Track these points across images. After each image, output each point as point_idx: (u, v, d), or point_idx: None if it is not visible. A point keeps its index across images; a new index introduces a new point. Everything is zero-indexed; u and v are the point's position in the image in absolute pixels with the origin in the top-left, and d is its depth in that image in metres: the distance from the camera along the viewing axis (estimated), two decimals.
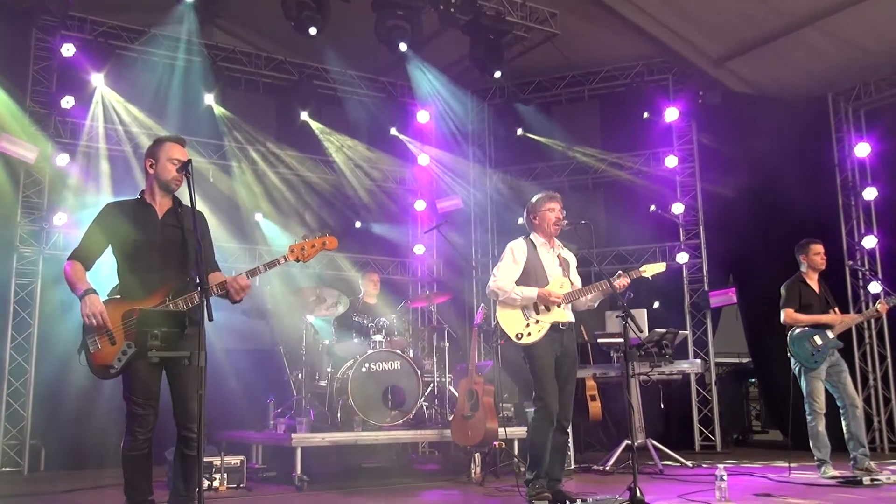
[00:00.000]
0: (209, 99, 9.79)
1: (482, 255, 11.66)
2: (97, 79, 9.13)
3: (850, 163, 10.28)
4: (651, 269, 5.29)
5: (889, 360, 9.89)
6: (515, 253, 5.32)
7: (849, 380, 6.71)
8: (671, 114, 10.63)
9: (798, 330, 6.68)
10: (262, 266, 4.14)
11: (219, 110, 9.91)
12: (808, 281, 6.83)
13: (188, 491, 3.94)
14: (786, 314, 6.72)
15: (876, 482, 6.07)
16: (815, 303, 6.75)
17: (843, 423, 6.63)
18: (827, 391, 6.67)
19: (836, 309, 6.84)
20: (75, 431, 7.94)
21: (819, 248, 6.89)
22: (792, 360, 6.72)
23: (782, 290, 6.82)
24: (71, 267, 3.99)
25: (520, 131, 11.25)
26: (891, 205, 9.91)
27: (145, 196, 4.14)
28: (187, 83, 9.59)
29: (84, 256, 4.04)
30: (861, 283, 9.82)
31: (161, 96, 9.41)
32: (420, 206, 11.34)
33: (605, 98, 11.41)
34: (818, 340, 6.60)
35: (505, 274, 5.26)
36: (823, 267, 6.89)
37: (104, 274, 4.15)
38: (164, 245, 4.05)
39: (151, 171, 4.11)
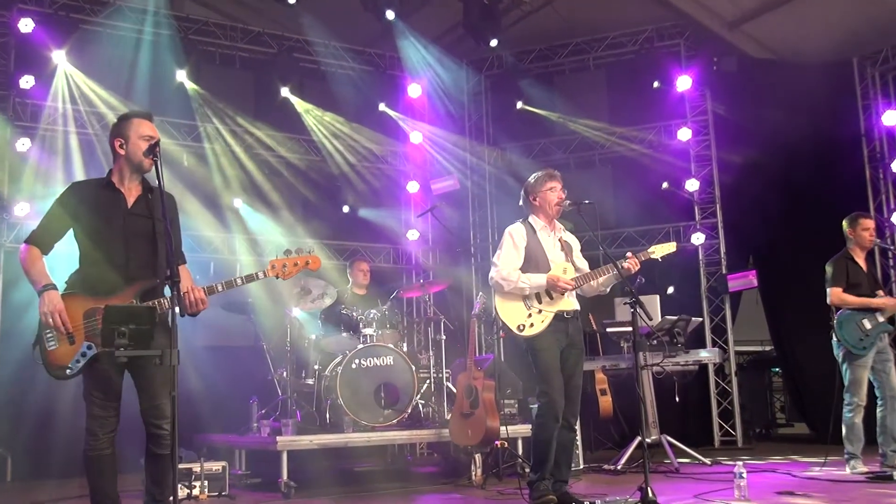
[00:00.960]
0: (181, 76, 9.73)
1: (481, 239, 11.67)
2: (58, 56, 9.07)
3: (878, 132, 10.27)
4: (660, 250, 5.30)
5: None
6: (515, 238, 5.31)
7: (893, 369, 6.67)
8: (683, 82, 10.59)
9: (845, 313, 6.65)
10: (239, 279, 4.19)
11: (192, 88, 9.85)
12: (856, 258, 6.77)
13: (164, 496, 3.94)
14: (833, 294, 6.65)
15: None
16: (863, 282, 6.68)
17: (879, 415, 6.60)
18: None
19: (882, 291, 6.83)
20: (43, 438, 7.92)
21: (868, 223, 6.82)
22: (835, 346, 6.68)
23: (828, 268, 6.76)
24: (28, 252, 3.98)
25: (520, 104, 11.22)
26: None
27: (114, 179, 4.10)
28: (157, 59, 9.51)
29: (42, 241, 4.02)
30: (891, 262, 9.83)
31: (129, 74, 9.34)
32: (413, 187, 11.32)
33: (612, 67, 11.36)
34: (867, 324, 6.54)
35: (507, 262, 5.25)
36: (870, 245, 6.85)
37: (57, 252, 4.13)
38: (132, 238, 4.03)
39: (122, 152, 4.07)
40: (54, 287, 3.90)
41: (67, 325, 3.84)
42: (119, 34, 9.56)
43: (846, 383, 6.62)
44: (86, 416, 3.95)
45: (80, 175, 8.83)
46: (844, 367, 6.63)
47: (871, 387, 6.66)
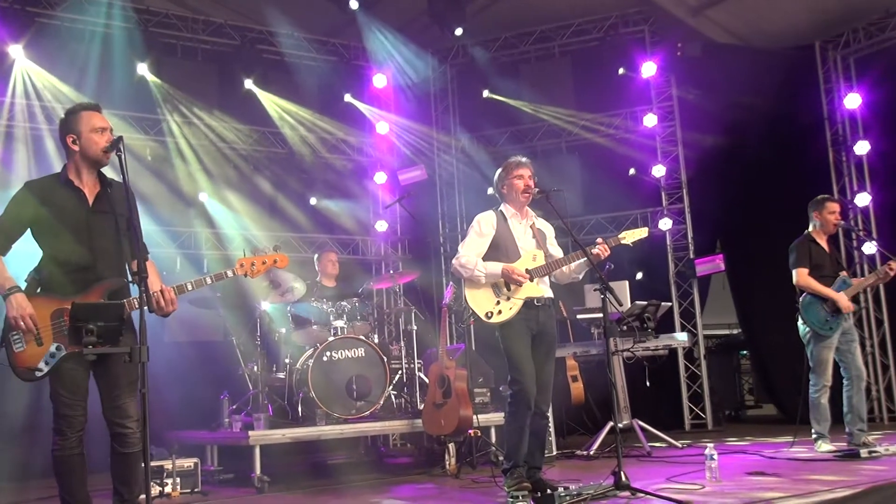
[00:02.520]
0: (142, 69, 9.63)
1: (450, 229, 11.67)
2: (16, 50, 8.93)
3: (840, 115, 10.43)
4: (631, 236, 5.32)
5: (886, 325, 10.10)
6: (482, 226, 5.32)
7: (858, 350, 6.82)
8: (649, 69, 10.66)
9: (809, 295, 6.74)
10: (209, 277, 4.19)
11: (154, 81, 9.76)
12: (818, 240, 6.88)
13: (132, 495, 3.91)
14: (799, 275, 6.75)
15: (874, 454, 6.22)
16: (825, 263, 6.80)
17: (845, 395, 6.73)
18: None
19: (846, 272, 6.93)
20: (7, 441, 7.81)
21: (835, 206, 6.92)
22: (802, 328, 6.78)
23: (791, 250, 6.87)
24: None
25: (486, 93, 11.24)
26: (884, 158, 10.08)
27: (71, 176, 4.04)
28: (117, 52, 9.40)
29: None
30: (855, 243, 9.99)
31: (89, 68, 9.20)
32: (380, 178, 11.29)
33: (578, 54, 11.40)
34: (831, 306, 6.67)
35: (469, 249, 5.26)
36: (834, 230, 6.95)
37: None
38: (97, 237, 3.99)
39: (76, 148, 4.02)
40: (20, 289, 3.85)
41: (38, 326, 3.80)
42: (77, 27, 9.43)
43: (812, 364, 6.73)
44: (53, 416, 3.90)
45: (38, 172, 8.68)
46: (810, 348, 6.74)
47: (836, 367, 6.78)
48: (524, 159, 5.44)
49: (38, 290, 3.94)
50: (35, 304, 3.83)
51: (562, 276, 5.40)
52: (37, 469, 7.27)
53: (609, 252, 5.20)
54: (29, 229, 4.00)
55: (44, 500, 6.24)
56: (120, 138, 3.95)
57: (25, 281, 3.95)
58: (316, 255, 8.80)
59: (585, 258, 5.18)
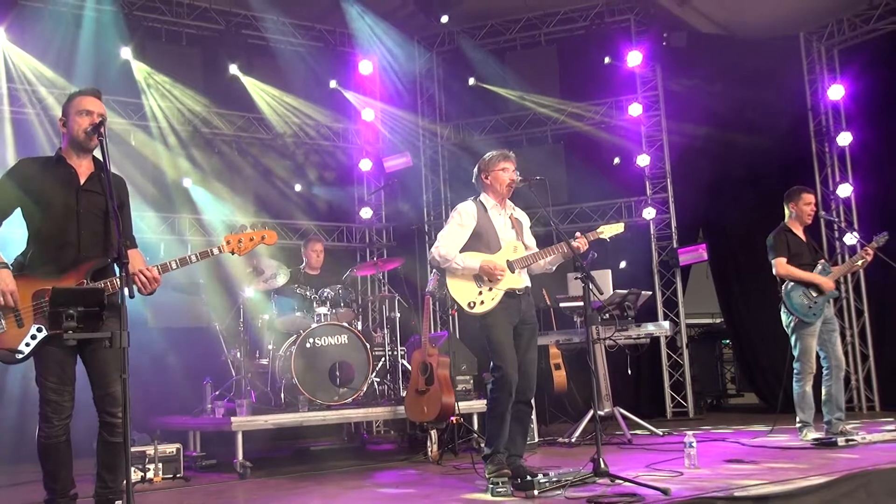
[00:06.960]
0: (126, 53, 9.58)
1: (435, 216, 11.68)
2: None
3: (824, 106, 10.48)
4: (609, 231, 5.40)
5: (866, 314, 10.20)
6: (462, 216, 5.34)
7: (838, 339, 6.90)
8: (634, 58, 10.67)
9: (792, 283, 6.81)
10: (194, 255, 4.18)
11: (138, 66, 9.71)
12: (795, 230, 6.95)
13: (116, 482, 3.93)
14: (778, 265, 6.81)
15: (851, 442, 6.30)
16: (804, 252, 6.88)
17: (824, 384, 6.80)
18: None
19: (825, 259, 7.01)
20: None
21: (810, 197, 7.01)
22: (785, 317, 6.84)
23: (769, 241, 6.94)
24: None
25: (472, 81, 11.23)
26: (866, 150, 10.14)
27: (64, 156, 4.09)
28: (100, 36, 9.35)
29: None
30: (836, 234, 10.07)
31: (71, 51, 9.16)
32: (365, 165, 11.28)
33: (564, 42, 11.41)
34: (814, 292, 6.73)
35: (449, 240, 5.28)
36: (810, 221, 7.02)
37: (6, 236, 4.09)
38: (84, 215, 4.01)
39: (64, 130, 4.10)
40: (7, 266, 3.87)
41: (18, 304, 3.80)
42: (60, 10, 9.34)
43: (796, 353, 6.78)
44: (39, 401, 3.91)
45: (18, 156, 8.62)
46: (794, 337, 6.79)
47: (817, 356, 6.85)
48: (510, 153, 5.48)
49: (22, 272, 3.94)
50: (17, 284, 3.83)
51: (537, 267, 5.45)
52: (12, 452, 7.27)
53: (588, 246, 5.27)
54: (19, 208, 4.01)
55: (24, 485, 6.24)
56: (102, 122, 3.95)
57: (12, 265, 3.96)
58: (302, 243, 8.77)
59: (561, 251, 5.24)
